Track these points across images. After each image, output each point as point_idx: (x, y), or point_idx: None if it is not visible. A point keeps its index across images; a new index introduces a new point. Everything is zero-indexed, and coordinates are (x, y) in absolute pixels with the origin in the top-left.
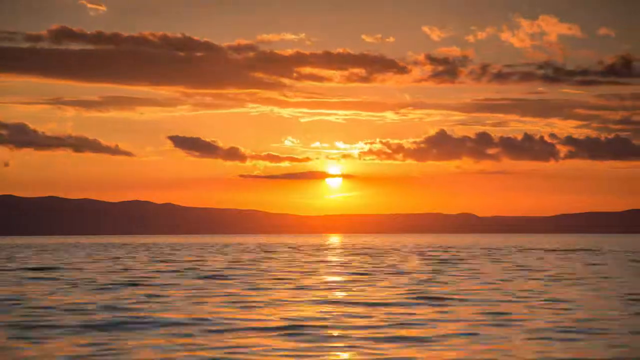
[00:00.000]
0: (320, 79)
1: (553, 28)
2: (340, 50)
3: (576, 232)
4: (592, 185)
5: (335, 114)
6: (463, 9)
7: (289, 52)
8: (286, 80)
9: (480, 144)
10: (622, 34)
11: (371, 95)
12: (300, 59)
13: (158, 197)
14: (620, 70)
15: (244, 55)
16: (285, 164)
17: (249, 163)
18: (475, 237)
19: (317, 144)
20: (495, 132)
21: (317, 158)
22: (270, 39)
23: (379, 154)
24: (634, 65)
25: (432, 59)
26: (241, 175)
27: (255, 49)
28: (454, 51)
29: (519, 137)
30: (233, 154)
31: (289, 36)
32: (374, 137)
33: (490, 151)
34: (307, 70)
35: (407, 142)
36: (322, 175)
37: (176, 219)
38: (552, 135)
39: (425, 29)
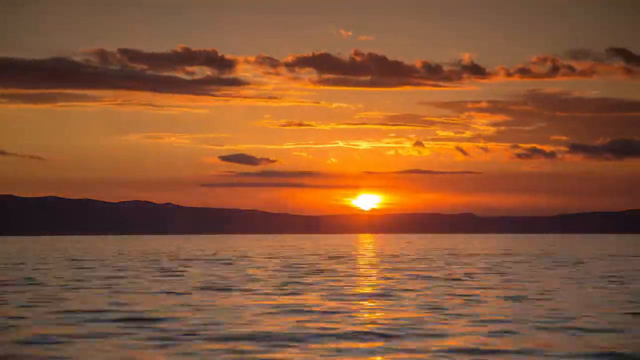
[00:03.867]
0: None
1: None
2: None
3: (576, 232)
4: (592, 185)
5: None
6: None
7: None
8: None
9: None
10: None
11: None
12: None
13: (158, 197)
14: None
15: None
16: (287, 164)
17: (249, 163)
18: (474, 237)
19: (318, 144)
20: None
21: (317, 158)
22: None
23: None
24: None
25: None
26: (241, 175)
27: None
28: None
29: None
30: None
31: None
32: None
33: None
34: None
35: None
36: (322, 175)
37: (176, 219)
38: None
39: None
